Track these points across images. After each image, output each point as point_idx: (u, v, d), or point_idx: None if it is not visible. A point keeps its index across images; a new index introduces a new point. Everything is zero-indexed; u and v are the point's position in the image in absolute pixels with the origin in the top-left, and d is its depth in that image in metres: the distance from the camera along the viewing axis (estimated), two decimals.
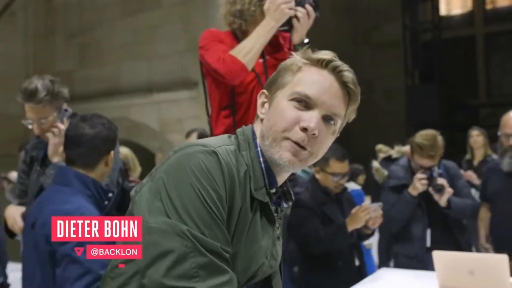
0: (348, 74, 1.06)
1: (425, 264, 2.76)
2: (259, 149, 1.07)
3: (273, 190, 1.08)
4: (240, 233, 0.98)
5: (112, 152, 1.88)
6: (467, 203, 2.90)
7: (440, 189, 2.80)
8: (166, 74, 7.83)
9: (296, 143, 1.02)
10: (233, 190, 0.97)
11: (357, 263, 2.88)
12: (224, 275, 0.90)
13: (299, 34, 1.96)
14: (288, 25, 1.94)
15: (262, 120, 1.09)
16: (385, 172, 3.99)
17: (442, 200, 2.80)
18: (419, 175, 2.83)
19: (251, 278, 1.02)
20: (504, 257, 2.10)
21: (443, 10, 13.04)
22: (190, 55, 7.19)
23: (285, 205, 1.14)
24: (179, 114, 7.67)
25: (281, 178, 1.11)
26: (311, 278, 2.77)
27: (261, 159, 1.06)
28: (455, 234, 2.90)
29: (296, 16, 1.93)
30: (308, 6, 1.94)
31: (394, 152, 4.72)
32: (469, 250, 2.98)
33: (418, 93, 9.66)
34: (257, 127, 1.10)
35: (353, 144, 9.12)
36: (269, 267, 1.06)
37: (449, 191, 2.80)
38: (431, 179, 2.82)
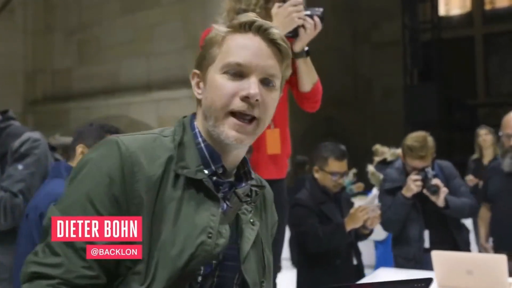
0: (274, 31, 1.03)
1: (424, 265, 2.75)
2: (196, 130, 1.06)
3: (220, 170, 1.05)
4: (162, 213, 0.97)
5: (82, 144, 1.93)
6: (465, 202, 2.89)
7: (435, 191, 2.78)
8: (165, 72, 7.82)
9: (240, 113, 1.00)
10: (136, 174, 0.96)
11: (355, 262, 2.88)
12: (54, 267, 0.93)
13: (302, 43, 1.94)
14: (294, 32, 1.93)
15: (200, 101, 1.08)
16: (381, 176, 3.98)
17: (440, 200, 2.80)
18: (413, 176, 2.82)
19: (192, 258, 0.96)
20: (502, 257, 2.11)
21: (442, 10, 13.07)
22: (189, 53, 7.19)
23: (243, 184, 1.10)
24: (178, 112, 7.63)
25: (234, 157, 1.08)
26: (309, 276, 2.77)
27: (200, 139, 1.05)
28: (453, 234, 2.90)
29: (303, 26, 1.92)
30: (316, 18, 1.92)
31: (389, 155, 4.71)
32: (467, 249, 2.98)
33: (417, 92, 9.67)
34: (199, 110, 1.09)
35: (352, 143, 9.13)
36: (215, 245, 0.99)
37: (444, 190, 2.80)
38: (425, 180, 2.81)
